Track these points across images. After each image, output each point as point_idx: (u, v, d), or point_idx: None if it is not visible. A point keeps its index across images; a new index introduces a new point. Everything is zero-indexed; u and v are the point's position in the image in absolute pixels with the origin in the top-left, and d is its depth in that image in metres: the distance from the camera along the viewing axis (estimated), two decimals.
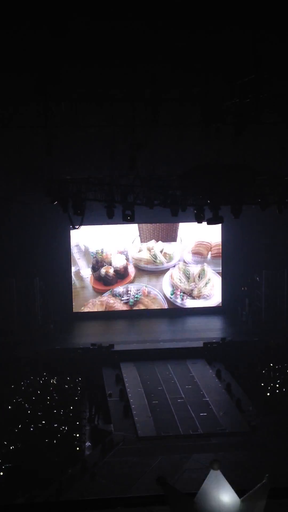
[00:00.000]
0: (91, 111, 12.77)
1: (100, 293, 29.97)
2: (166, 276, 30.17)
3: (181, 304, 30.11)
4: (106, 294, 29.99)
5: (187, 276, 30.13)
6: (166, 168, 18.13)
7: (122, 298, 29.94)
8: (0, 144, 15.81)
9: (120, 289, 30.04)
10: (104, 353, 23.53)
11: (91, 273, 29.87)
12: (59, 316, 27.97)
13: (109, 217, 19.08)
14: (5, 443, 15.73)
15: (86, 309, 29.73)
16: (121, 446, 16.54)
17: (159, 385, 20.83)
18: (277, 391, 19.57)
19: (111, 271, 29.94)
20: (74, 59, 10.12)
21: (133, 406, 18.96)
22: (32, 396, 19.48)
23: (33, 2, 7.76)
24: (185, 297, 30.09)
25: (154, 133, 13.08)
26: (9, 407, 18.56)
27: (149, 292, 30.13)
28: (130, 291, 30.10)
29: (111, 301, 30.02)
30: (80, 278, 29.88)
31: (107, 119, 13.19)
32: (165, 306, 30.11)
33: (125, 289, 30.05)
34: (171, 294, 30.07)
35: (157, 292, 30.15)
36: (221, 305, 30.18)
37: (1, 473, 14.05)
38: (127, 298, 29.99)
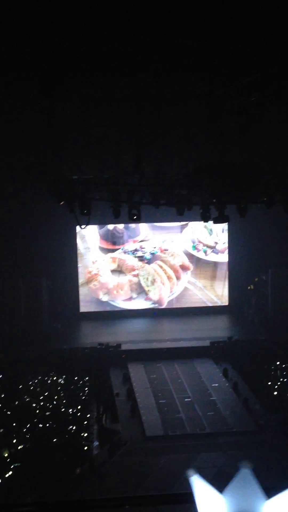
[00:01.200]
0: (97, 111, 12.79)
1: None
2: (186, 231, 29.76)
3: (204, 258, 29.66)
4: (118, 251, 29.43)
5: (210, 231, 29.82)
6: (171, 168, 18.14)
7: (136, 254, 29.22)
8: (7, 144, 15.85)
9: (131, 246, 29.44)
10: (112, 352, 23.55)
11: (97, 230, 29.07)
12: (66, 315, 28.01)
13: (116, 217, 19.12)
14: (14, 442, 15.77)
15: (94, 271, 29.12)
16: (129, 445, 16.56)
17: (166, 385, 20.84)
18: (284, 389, 19.54)
19: (121, 226, 29.05)
20: (79, 58, 10.14)
21: (140, 406, 18.98)
22: (40, 396, 19.53)
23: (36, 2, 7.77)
24: (208, 251, 29.74)
25: (160, 133, 13.09)
26: (17, 406, 18.60)
27: (166, 250, 29.70)
28: (144, 247, 29.31)
29: (123, 257, 29.22)
30: (82, 238, 29.27)
31: (113, 119, 13.21)
32: (186, 262, 29.69)
33: (138, 246, 29.36)
34: (193, 249, 29.72)
35: (175, 249, 29.68)
36: (227, 304, 30.18)
37: (10, 473, 14.08)
38: (142, 254, 29.26)
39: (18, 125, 14.06)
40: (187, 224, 29.42)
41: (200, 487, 4.05)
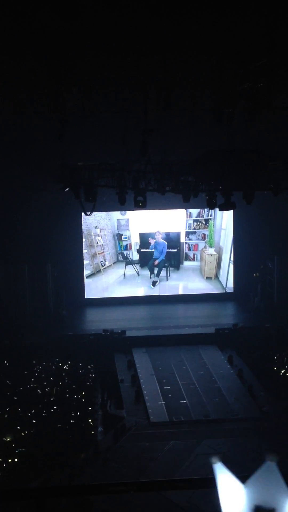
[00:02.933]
0: (103, 97, 12.74)
1: None
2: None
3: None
4: None
5: None
6: (177, 154, 18.08)
7: None
8: (13, 130, 15.82)
9: None
10: (117, 339, 23.59)
11: None
12: (71, 302, 28.04)
13: (121, 204, 19.09)
14: (18, 428, 15.86)
15: None
16: (133, 431, 16.62)
17: (171, 371, 20.88)
18: None
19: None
20: (86, 44, 10.07)
21: (145, 392, 19.03)
22: (45, 382, 19.61)
23: None
24: None
25: (166, 118, 13.02)
26: (22, 392, 18.69)
27: None
28: None
29: None
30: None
31: (119, 105, 13.15)
32: None
33: None
34: None
35: None
36: (233, 291, 30.16)
37: (15, 458, 14.17)
38: None
39: (24, 111, 14.02)
40: None
41: (223, 475, 4.03)
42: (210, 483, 4.17)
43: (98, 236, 29.69)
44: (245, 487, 3.92)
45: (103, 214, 28.98)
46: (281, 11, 8.91)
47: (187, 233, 30.11)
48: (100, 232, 29.74)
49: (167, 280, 30.09)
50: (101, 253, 29.89)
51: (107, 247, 29.98)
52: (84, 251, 29.39)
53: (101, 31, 9.60)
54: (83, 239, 29.31)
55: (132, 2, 8.48)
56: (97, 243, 29.75)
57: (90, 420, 16.80)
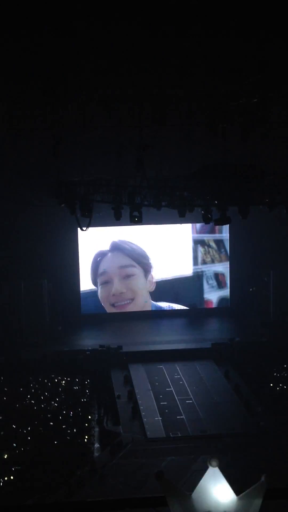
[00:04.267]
0: (98, 112, 12.80)
1: None
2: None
3: None
4: None
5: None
6: (173, 169, 18.14)
7: None
8: (8, 146, 15.86)
9: None
10: (113, 354, 23.51)
11: None
12: (68, 318, 27.97)
13: (117, 219, 19.12)
14: (14, 445, 15.74)
15: None
16: (130, 447, 16.52)
17: (167, 386, 20.80)
18: (286, 391, 19.49)
19: None
20: (81, 61, 10.14)
21: (141, 408, 18.94)
22: (41, 398, 19.50)
23: (38, 3, 7.77)
24: None
25: (161, 134, 13.08)
26: (18, 409, 18.58)
27: None
28: None
29: None
30: None
31: (114, 120, 13.21)
32: None
33: None
34: None
35: None
36: (229, 305, 30.15)
37: (11, 476, 14.05)
38: None
39: (20, 126, 14.07)
40: None
41: (212, 478, 4.08)
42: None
43: None
44: (193, 495, 3.97)
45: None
46: (274, 28, 9.00)
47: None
48: None
49: None
50: None
51: None
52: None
53: (97, 48, 9.68)
54: None
55: (127, 20, 8.55)
56: None
57: (86, 437, 16.69)
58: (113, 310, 28.98)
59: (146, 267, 28.93)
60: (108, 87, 11.71)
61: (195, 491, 4.06)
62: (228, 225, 24.19)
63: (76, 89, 11.75)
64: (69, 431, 16.81)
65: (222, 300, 30.04)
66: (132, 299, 29.00)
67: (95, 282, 28.83)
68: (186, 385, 20.83)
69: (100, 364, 22.77)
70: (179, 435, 17.16)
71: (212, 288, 29.95)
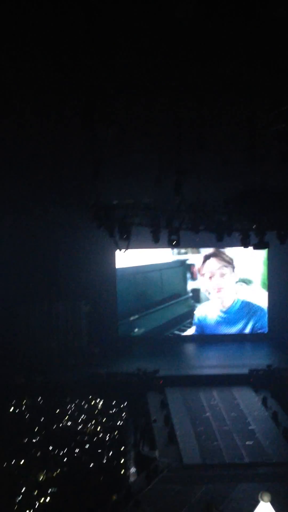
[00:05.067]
0: (138, 136, 12.92)
1: None
2: None
3: None
4: None
5: None
6: (211, 193, 18.15)
7: None
8: (50, 168, 16.11)
9: None
10: (149, 378, 23.43)
11: None
12: (105, 339, 28.04)
13: (155, 242, 19.16)
14: (51, 466, 15.76)
15: None
16: (166, 473, 16.36)
17: (204, 412, 20.60)
18: None
19: None
20: (121, 84, 10.27)
21: (178, 433, 18.77)
22: (77, 420, 19.52)
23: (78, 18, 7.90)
24: None
25: (200, 158, 13.12)
26: (55, 430, 18.63)
27: None
28: None
29: None
30: None
31: (153, 144, 13.31)
32: None
33: None
34: None
35: None
36: (267, 331, 29.87)
37: (47, 498, 14.05)
38: None
39: (61, 149, 14.30)
40: None
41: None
42: None
43: None
44: None
45: None
46: None
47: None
48: None
49: None
50: None
51: None
52: None
53: (137, 72, 9.80)
54: None
55: (166, 45, 8.65)
56: None
57: (122, 461, 16.61)
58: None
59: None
60: (148, 110, 11.82)
61: None
62: (266, 250, 24.00)
63: (116, 113, 11.88)
64: (105, 454, 16.76)
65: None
66: None
67: None
68: (223, 411, 20.59)
69: (137, 387, 22.72)
70: (216, 462, 16.93)
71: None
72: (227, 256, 30.02)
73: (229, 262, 30.15)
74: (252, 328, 30.26)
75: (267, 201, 15.44)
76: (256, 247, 18.66)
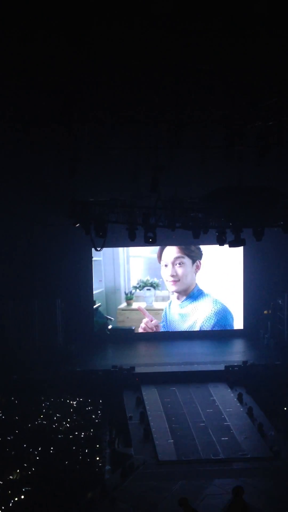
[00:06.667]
0: (114, 133, 12.88)
1: None
2: None
3: None
4: None
5: None
6: (188, 190, 18.18)
7: None
8: (25, 166, 16.00)
9: None
10: (125, 375, 23.43)
11: None
12: (80, 337, 27.96)
13: (131, 239, 19.13)
14: (25, 465, 15.66)
15: None
16: (141, 470, 16.38)
17: (180, 409, 20.66)
18: None
19: None
20: (98, 82, 10.23)
21: (153, 430, 18.80)
22: (53, 418, 19.42)
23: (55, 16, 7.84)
24: None
25: (177, 155, 13.13)
26: (30, 429, 18.51)
27: None
28: None
29: None
30: None
31: (130, 141, 13.29)
32: None
33: None
34: None
35: None
36: (242, 328, 30.03)
37: (21, 496, 13.95)
38: None
39: (37, 146, 14.20)
40: None
41: None
42: None
43: None
44: None
45: None
46: None
47: None
48: None
49: None
50: None
51: None
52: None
53: (113, 69, 9.77)
54: None
55: (144, 41, 8.63)
56: None
57: (98, 458, 16.57)
58: None
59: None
60: (125, 108, 11.79)
61: None
62: (242, 247, 24.08)
63: (93, 109, 11.84)
64: (80, 452, 16.70)
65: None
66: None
67: None
68: (199, 408, 20.67)
69: (113, 385, 22.70)
70: (191, 458, 16.99)
71: None
72: (191, 247, 29.57)
73: (188, 254, 29.65)
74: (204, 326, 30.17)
75: (244, 198, 15.48)
76: (232, 244, 18.72)
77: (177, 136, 11.57)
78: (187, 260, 29.74)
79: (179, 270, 29.73)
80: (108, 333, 29.72)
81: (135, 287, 29.90)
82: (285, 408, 20.04)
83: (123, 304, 30.10)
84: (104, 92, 10.87)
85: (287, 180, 15.99)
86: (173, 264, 29.65)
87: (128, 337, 29.47)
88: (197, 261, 29.81)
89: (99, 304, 29.91)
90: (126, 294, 29.97)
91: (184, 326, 30.07)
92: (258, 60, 9.39)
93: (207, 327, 30.01)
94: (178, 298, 29.95)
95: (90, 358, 26.57)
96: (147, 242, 18.69)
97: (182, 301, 29.91)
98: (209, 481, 15.38)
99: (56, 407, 20.65)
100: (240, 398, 21.45)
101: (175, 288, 29.84)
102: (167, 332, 29.81)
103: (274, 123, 11.12)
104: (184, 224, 18.78)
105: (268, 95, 10.48)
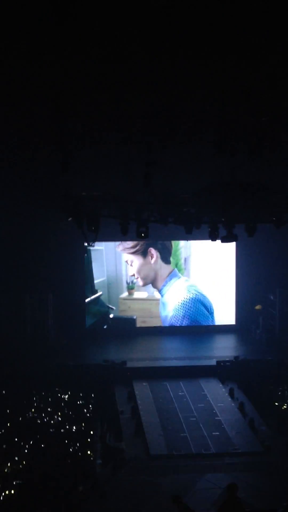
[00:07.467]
0: (107, 128, 12.86)
1: None
2: None
3: None
4: None
5: None
6: (181, 186, 18.19)
7: None
8: (18, 160, 15.94)
9: None
10: (117, 370, 23.45)
11: None
12: (72, 332, 27.95)
13: (123, 234, 19.15)
14: (16, 459, 15.66)
15: None
16: (132, 464, 16.42)
17: (171, 403, 20.71)
18: None
19: None
20: (91, 77, 10.20)
21: (145, 424, 18.85)
22: (44, 412, 19.42)
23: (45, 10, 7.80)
24: None
25: (170, 151, 13.13)
26: (21, 422, 18.51)
27: None
28: None
29: None
30: None
31: (123, 136, 13.26)
32: None
33: None
34: None
35: None
36: (234, 323, 30.10)
37: (12, 490, 13.96)
38: None
39: (29, 141, 14.17)
40: None
41: None
42: None
43: None
44: None
45: None
46: (284, 46, 9.03)
47: None
48: None
49: None
50: None
51: None
52: None
53: (108, 66, 9.74)
54: None
55: (136, 38, 8.61)
56: None
57: (89, 452, 16.59)
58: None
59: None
60: (118, 102, 11.77)
61: None
62: (234, 243, 24.13)
63: (86, 103, 11.81)
64: (71, 446, 16.72)
65: None
66: None
67: None
68: (190, 403, 20.73)
69: (104, 379, 22.71)
70: (182, 452, 17.05)
71: None
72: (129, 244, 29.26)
73: (133, 253, 29.46)
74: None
75: (236, 194, 15.53)
76: (224, 240, 18.77)
77: (169, 131, 11.58)
78: (134, 258, 29.55)
79: (134, 269, 29.73)
80: (105, 327, 29.76)
81: (131, 276, 29.77)
82: (276, 404, 20.11)
83: (125, 294, 29.97)
84: (97, 88, 10.84)
85: (279, 176, 16.04)
86: (129, 264, 29.72)
87: (129, 327, 29.61)
88: (149, 250, 29.43)
89: (101, 293, 29.80)
90: (128, 284, 29.86)
91: (165, 314, 30.05)
92: (254, 53, 9.37)
93: (176, 320, 29.94)
94: (158, 290, 29.99)
95: (82, 352, 26.56)
96: (139, 237, 18.71)
97: (160, 291, 29.97)
98: (200, 476, 15.44)
99: (47, 401, 20.65)
100: (231, 393, 21.52)
101: (142, 283, 29.80)
102: (159, 327, 29.84)
103: (267, 119, 11.14)
104: (177, 219, 18.82)
105: (261, 91, 10.49)
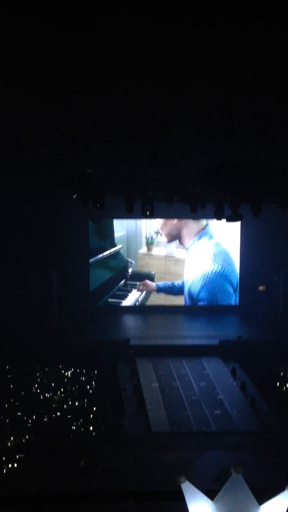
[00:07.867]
0: (113, 106, 12.78)
1: None
2: None
3: None
4: None
5: None
6: (186, 165, 18.11)
7: None
8: (22, 137, 15.88)
9: None
10: (120, 347, 23.59)
11: None
12: (76, 309, 28.05)
13: (129, 212, 19.14)
14: (19, 433, 15.84)
15: None
16: (134, 441, 16.59)
17: (173, 381, 20.86)
18: None
19: None
20: (98, 56, 10.12)
21: (147, 401, 19.01)
22: (47, 387, 19.60)
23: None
24: None
25: (176, 130, 13.06)
26: (24, 397, 18.68)
27: None
28: None
29: None
30: None
31: (129, 114, 13.19)
32: None
33: None
34: None
35: None
36: (237, 303, 30.15)
37: (15, 464, 14.15)
38: None
39: (34, 118, 14.08)
40: None
41: (191, 494, 4.08)
42: (212, 496, 4.17)
43: None
44: (215, 503, 3.92)
45: None
46: None
47: None
48: None
49: None
50: None
51: None
52: None
53: (115, 45, 9.66)
54: None
55: (144, 25, 8.52)
56: None
57: (91, 428, 16.77)
58: None
59: None
60: (125, 81, 11.68)
61: (217, 498, 4.04)
62: (239, 222, 24.06)
63: (92, 82, 11.72)
64: (74, 421, 16.89)
65: None
66: None
67: None
68: (192, 381, 20.87)
69: (107, 357, 22.86)
70: (184, 430, 17.22)
71: None
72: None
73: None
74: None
75: (242, 174, 15.46)
76: (230, 219, 18.76)
77: (176, 110, 11.52)
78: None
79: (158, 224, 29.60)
80: (102, 305, 29.87)
81: (156, 233, 29.50)
82: (278, 384, 20.23)
83: (144, 249, 29.73)
84: (103, 67, 10.75)
85: (285, 156, 15.94)
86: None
87: (124, 310, 29.60)
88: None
89: (120, 246, 29.63)
90: (147, 239, 29.67)
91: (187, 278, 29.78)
92: (259, 38, 9.27)
93: (194, 288, 29.78)
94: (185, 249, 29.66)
95: (86, 330, 26.69)
96: (145, 215, 18.70)
97: (187, 249, 29.71)
98: (201, 453, 15.60)
99: (50, 377, 20.82)
100: (233, 373, 21.65)
101: (167, 239, 29.50)
102: (163, 305, 29.91)
103: (274, 98, 11.05)
104: (182, 198, 18.79)
105: (269, 71, 10.38)
